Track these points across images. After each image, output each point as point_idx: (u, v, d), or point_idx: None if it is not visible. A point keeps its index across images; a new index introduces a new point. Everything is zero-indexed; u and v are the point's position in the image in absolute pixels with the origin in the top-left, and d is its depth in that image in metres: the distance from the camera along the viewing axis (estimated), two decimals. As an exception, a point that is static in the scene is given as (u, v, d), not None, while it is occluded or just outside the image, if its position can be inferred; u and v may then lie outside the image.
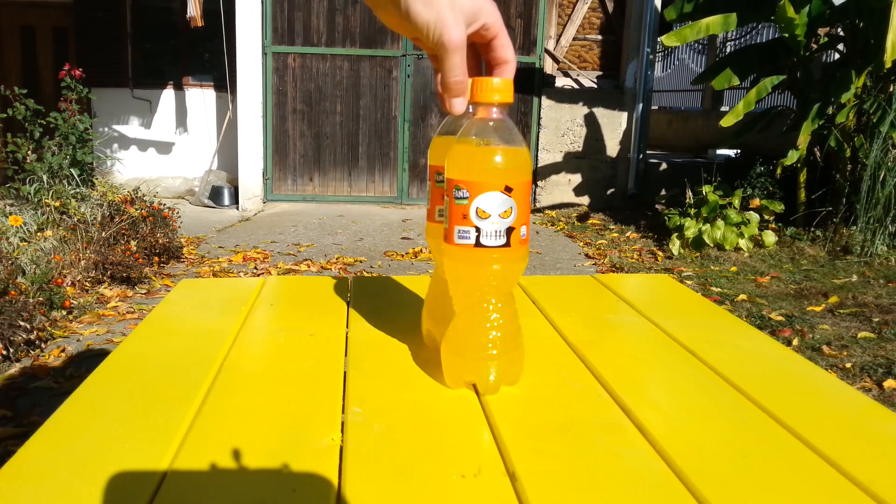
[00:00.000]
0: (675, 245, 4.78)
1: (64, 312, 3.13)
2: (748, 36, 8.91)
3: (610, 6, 6.69)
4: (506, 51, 0.66)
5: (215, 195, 6.49)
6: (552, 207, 6.62)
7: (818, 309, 3.55)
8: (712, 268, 4.43)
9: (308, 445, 0.62)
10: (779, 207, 5.00)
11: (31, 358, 2.71)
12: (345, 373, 0.78)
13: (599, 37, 6.77)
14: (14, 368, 2.61)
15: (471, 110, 0.75)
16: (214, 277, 3.96)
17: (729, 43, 9.41)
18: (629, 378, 0.78)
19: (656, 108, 10.68)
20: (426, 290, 0.87)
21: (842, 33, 5.14)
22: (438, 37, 0.61)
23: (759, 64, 5.14)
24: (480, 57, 0.69)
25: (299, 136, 6.60)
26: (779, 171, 5.02)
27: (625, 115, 6.62)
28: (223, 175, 6.74)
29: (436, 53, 0.62)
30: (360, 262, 4.48)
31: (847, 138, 4.81)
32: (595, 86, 6.79)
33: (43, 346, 2.81)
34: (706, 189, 4.97)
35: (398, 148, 6.66)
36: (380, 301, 1.06)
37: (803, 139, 4.73)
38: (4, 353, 2.62)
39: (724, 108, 9.33)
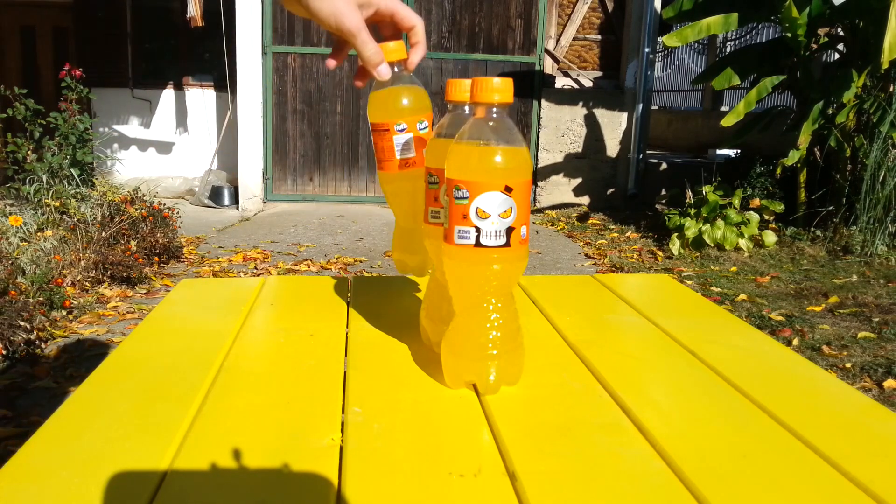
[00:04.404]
0: (675, 245, 4.78)
1: (64, 312, 3.13)
2: (748, 36, 8.91)
3: (610, 6, 6.69)
4: (410, 19, 0.77)
5: (215, 195, 6.49)
6: (552, 207, 6.62)
7: (818, 309, 3.55)
8: (712, 268, 4.43)
9: (308, 445, 0.62)
10: (779, 207, 5.00)
11: (31, 358, 2.71)
12: (345, 373, 0.78)
13: (599, 37, 6.76)
14: (14, 368, 2.61)
15: (468, 111, 0.75)
16: (214, 277, 3.96)
17: (729, 43, 9.40)
18: (629, 378, 0.78)
19: (656, 108, 10.68)
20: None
21: (842, 33, 5.14)
22: (338, 25, 0.72)
23: (759, 64, 5.14)
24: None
25: (299, 136, 6.60)
26: (779, 171, 5.03)
27: (625, 115, 6.62)
28: (223, 175, 6.74)
29: (344, 37, 0.75)
30: (360, 262, 4.48)
31: (847, 138, 4.81)
32: (595, 86, 6.79)
33: (43, 346, 2.81)
34: (706, 189, 4.97)
35: (398, 148, 6.66)
36: (380, 301, 1.06)
37: (803, 139, 4.73)
38: (4, 353, 2.62)
39: (724, 108, 9.32)
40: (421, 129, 0.82)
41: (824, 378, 0.81)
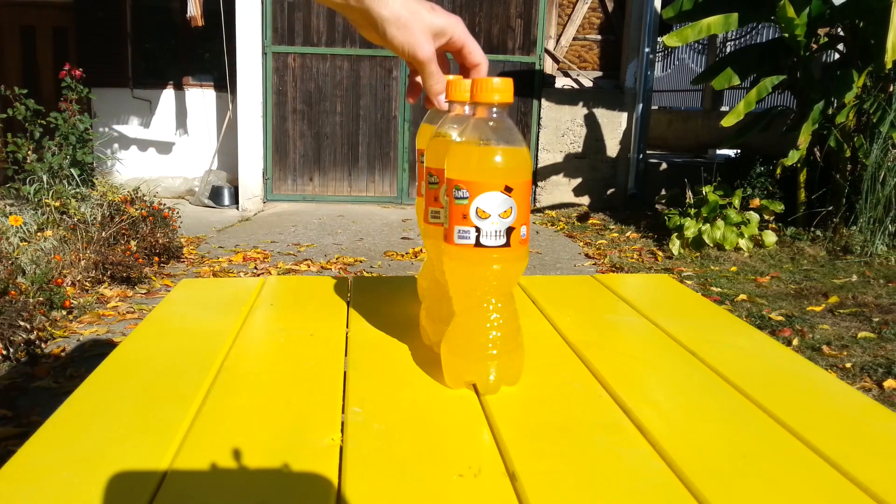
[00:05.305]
0: (675, 245, 4.78)
1: (64, 312, 3.13)
2: (748, 36, 8.91)
3: (610, 6, 6.69)
4: (475, 56, 0.78)
5: (215, 195, 6.49)
6: (552, 207, 6.62)
7: (818, 309, 3.55)
8: (712, 268, 4.43)
9: (308, 445, 0.62)
10: (779, 207, 5.00)
11: (31, 358, 2.71)
12: (345, 373, 0.78)
13: (599, 37, 6.76)
14: (14, 368, 2.61)
15: (468, 111, 0.75)
16: (214, 277, 3.96)
17: (729, 43, 9.40)
18: (629, 378, 0.78)
19: (656, 108, 10.68)
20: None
21: (842, 33, 5.14)
22: (412, 54, 0.74)
23: (759, 64, 5.14)
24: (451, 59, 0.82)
25: (299, 136, 6.60)
26: (779, 171, 5.03)
27: (625, 115, 6.62)
28: (223, 175, 6.74)
29: (414, 66, 0.77)
30: (360, 262, 4.48)
31: (847, 138, 4.81)
32: (595, 86, 6.79)
33: (43, 346, 2.81)
34: (706, 189, 4.97)
35: (398, 148, 6.66)
36: (380, 301, 1.06)
37: (803, 139, 4.72)
38: (4, 353, 2.62)
39: (724, 108, 9.32)
40: None
41: (824, 378, 0.81)
